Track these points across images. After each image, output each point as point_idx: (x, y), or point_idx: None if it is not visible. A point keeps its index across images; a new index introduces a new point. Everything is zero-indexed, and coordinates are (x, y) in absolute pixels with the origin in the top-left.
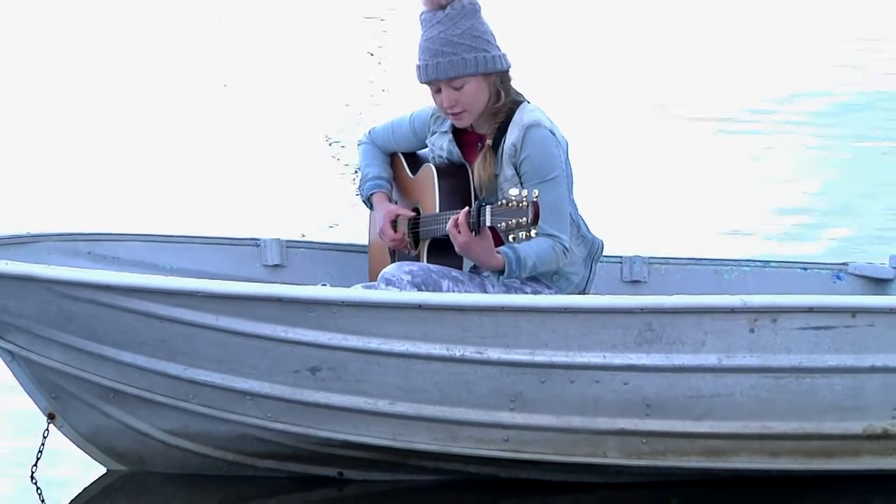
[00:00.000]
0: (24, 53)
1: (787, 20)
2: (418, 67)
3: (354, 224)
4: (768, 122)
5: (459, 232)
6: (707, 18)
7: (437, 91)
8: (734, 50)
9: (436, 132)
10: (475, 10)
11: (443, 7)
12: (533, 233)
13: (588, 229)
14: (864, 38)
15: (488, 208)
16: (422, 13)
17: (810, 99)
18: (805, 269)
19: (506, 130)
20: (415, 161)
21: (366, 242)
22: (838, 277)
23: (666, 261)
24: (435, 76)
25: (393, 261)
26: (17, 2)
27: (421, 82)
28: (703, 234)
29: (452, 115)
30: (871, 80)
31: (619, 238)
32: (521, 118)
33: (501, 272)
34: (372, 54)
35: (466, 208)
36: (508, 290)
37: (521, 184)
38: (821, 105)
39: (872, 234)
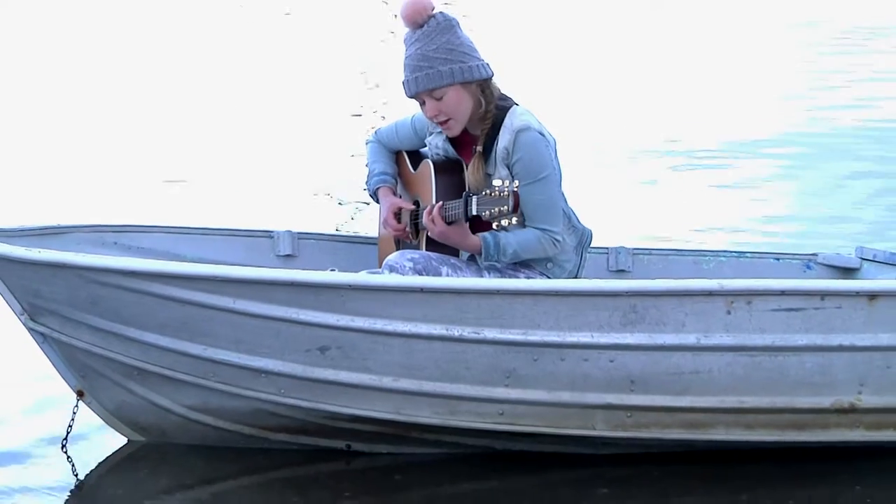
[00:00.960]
0: (49, 57)
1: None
2: (402, 84)
3: (360, 216)
4: (746, 125)
5: (434, 223)
6: (705, 23)
7: (422, 104)
8: (718, 56)
9: (433, 132)
10: (450, 26)
11: (420, 26)
12: (514, 220)
13: (578, 220)
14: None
15: (474, 198)
16: (405, 34)
17: (785, 102)
18: (778, 259)
19: (496, 134)
20: (416, 158)
21: (371, 234)
22: (808, 267)
23: (649, 252)
24: (416, 90)
25: (398, 249)
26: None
27: (407, 97)
28: (683, 227)
29: (440, 124)
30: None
31: (605, 231)
32: (511, 122)
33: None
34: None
35: (440, 202)
36: (503, 275)
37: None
38: (792, 108)
39: (841, 227)
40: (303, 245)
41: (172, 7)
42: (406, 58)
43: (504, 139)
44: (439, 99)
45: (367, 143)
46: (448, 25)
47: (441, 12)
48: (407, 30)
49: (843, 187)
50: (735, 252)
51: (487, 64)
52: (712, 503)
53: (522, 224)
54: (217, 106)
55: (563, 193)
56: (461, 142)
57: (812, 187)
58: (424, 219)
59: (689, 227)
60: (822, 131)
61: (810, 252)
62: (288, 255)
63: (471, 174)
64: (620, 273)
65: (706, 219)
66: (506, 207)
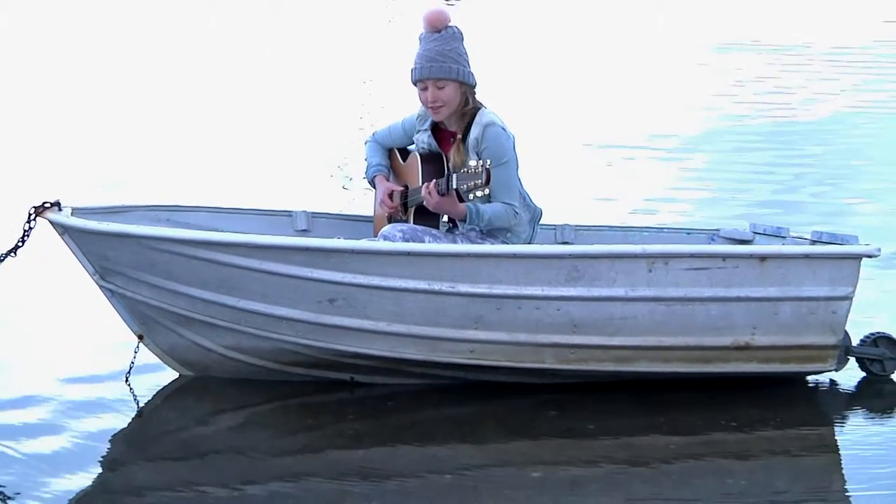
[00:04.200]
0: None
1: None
2: (413, 70)
3: (362, 199)
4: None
5: (430, 195)
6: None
7: (423, 89)
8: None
9: (420, 130)
10: (460, 37)
11: (439, 31)
12: (486, 191)
13: (531, 199)
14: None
15: (455, 175)
16: (422, 34)
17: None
18: (689, 233)
19: (470, 128)
20: (405, 152)
21: (370, 214)
22: (712, 239)
23: (588, 228)
24: (427, 75)
25: (390, 224)
26: None
27: (414, 80)
28: (615, 210)
29: (433, 108)
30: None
31: (553, 211)
32: (480, 119)
33: (464, 220)
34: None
35: (434, 180)
36: (473, 242)
37: None
38: (708, 117)
39: (738, 208)
40: (316, 222)
41: (207, 4)
42: (424, 50)
43: (475, 132)
44: (441, 88)
45: (365, 143)
46: (459, 36)
47: (455, 25)
48: (423, 31)
49: (742, 179)
50: (655, 228)
51: (474, 75)
52: (638, 422)
53: (488, 199)
54: (247, 102)
55: (519, 177)
56: (440, 137)
57: (717, 179)
58: (423, 192)
59: (620, 210)
60: (731, 135)
61: (714, 228)
62: (303, 231)
63: (454, 155)
64: (565, 244)
65: (634, 203)
66: (480, 181)
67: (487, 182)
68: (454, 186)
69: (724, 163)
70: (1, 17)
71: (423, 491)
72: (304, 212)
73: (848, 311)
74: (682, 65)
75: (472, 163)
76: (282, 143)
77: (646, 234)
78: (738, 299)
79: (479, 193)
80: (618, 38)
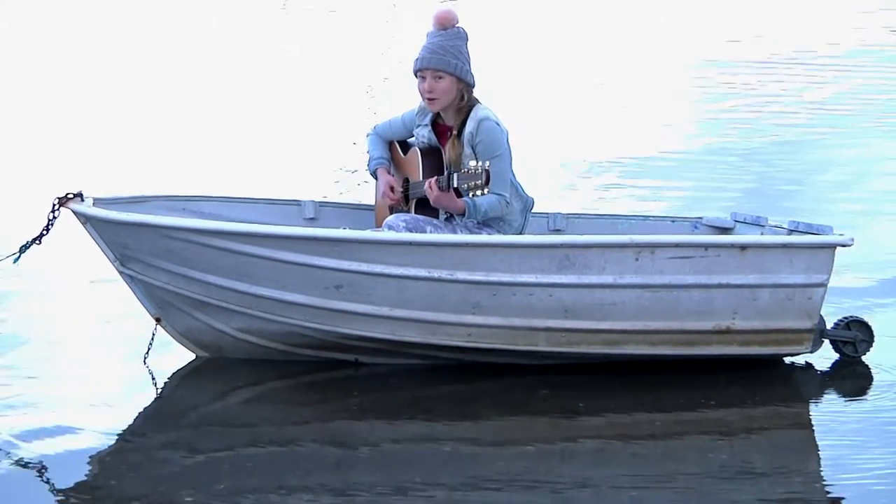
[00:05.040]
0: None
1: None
2: (416, 60)
3: (362, 189)
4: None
5: (432, 190)
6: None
7: (422, 79)
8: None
9: (420, 125)
10: (465, 38)
11: (445, 29)
12: (486, 191)
13: (523, 190)
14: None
15: (455, 175)
16: (429, 31)
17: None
18: (673, 221)
19: (466, 123)
20: (405, 146)
21: (373, 203)
22: (695, 227)
23: (578, 216)
24: (427, 65)
25: (392, 214)
26: None
27: (415, 69)
28: (605, 197)
29: (428, 99)
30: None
31: (546, 199)
32: (475, 114)
33: (462, 214)
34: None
35: (436, 177)
36: (470, 231)
37: (476, 159)
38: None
39: (718, 197)
40: (323, 211)
41: (223, 5)
42: (428, 43)
43: (470, 125)
44: (438, 80)
45: (367, 136)
46: (464, 37)
47: (461, 26)
48: (432, 29)
49: (722, 171)
50: (641, 216)
51: (474, 76)
52: (625, 401)
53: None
54: (257, 97)
55: (512, 169)
56: (439, 132)
57: (699, 172)
58: (426, 187)
59: (610, 199)
60: (710, 133)
61: (697, 216)
62: (311, 219)
63: (450, 149)
64: (557, 232)
65: (620, 194)
66: (480, 181)
67: (487, 182)
68: (455, 186)
69: (712, 160)
70: (2, 16)
71: (422, 462)
72: (312, 201)
73: (823, 296)
74: (680, 65)
75: (473, 163)
76: (290, 136)
77: (633, 221)
78: (720, 286)
79: (478, 193)
80: (617, 39)
